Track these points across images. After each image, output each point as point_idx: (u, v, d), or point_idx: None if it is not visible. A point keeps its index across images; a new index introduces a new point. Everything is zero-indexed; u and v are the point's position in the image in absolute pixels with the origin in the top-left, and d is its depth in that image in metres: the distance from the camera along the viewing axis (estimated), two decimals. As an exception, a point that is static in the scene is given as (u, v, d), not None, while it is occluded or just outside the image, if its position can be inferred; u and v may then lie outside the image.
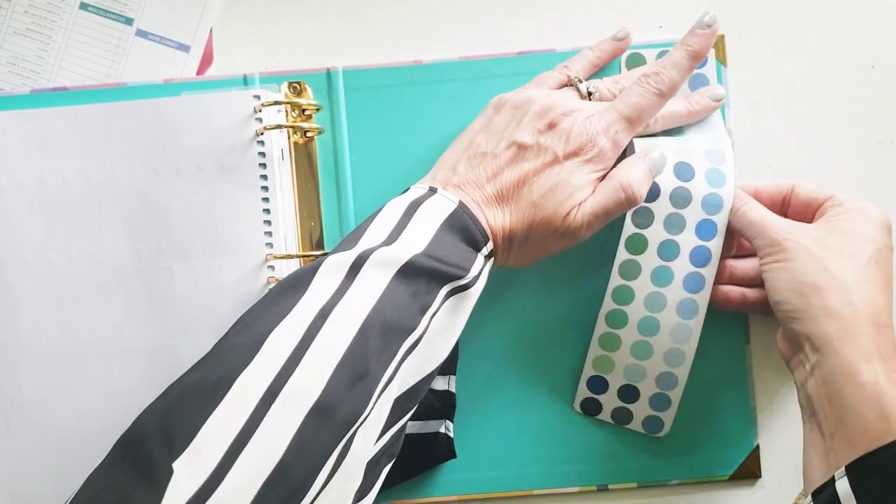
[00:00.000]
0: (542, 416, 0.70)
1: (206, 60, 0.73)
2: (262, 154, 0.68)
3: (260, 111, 0.68)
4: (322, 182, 0.70)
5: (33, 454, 0.68)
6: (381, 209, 0.60)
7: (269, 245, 0.68)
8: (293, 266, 0.68)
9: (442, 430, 0.68)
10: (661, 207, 0.65)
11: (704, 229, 0.65)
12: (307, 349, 0.52)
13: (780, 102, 0.72)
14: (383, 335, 0.54)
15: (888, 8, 0.72)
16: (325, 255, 0.58)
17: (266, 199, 0.68)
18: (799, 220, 0.65)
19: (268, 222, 0.68)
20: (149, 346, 0.68)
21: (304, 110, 0.70)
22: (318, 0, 0.73)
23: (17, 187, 0.69)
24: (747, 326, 0.70)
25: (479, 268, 0.59)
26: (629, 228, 0.66)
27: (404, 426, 0.58)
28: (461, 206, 0.60)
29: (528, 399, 0.70)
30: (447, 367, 0.68)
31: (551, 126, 0.62)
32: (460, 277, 0.57)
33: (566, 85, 0.67)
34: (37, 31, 0.72)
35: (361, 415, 0.52)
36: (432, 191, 0.61)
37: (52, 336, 0.68)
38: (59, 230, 0.69)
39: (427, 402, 0.67)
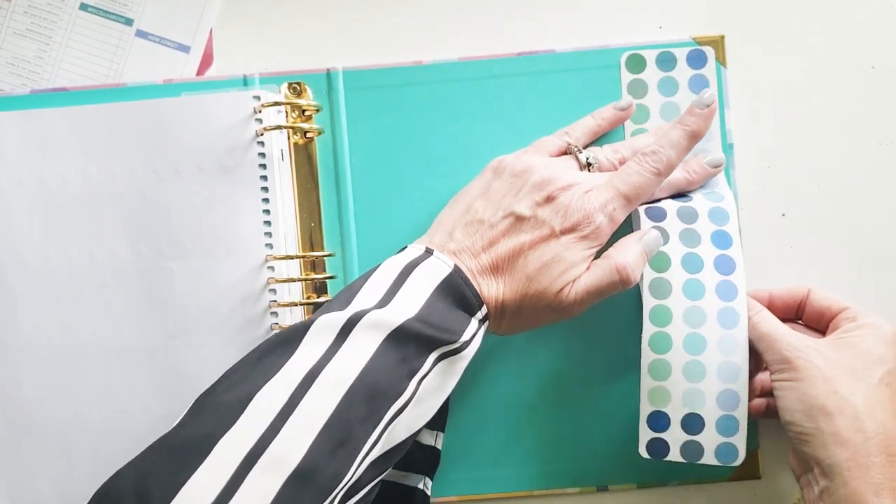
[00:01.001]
0: (543, 416, 0.70)
1: (206, 61, 0.73)
2: (262, 155, 0.68)
3: (260, 112, 0.68)
4: (322, 183, 0.70)
5: (33, 454, 0.69)
6: (376, 268, 0.61)
7: (269, 245, 0.68)
8: (293, 266, 0.69)
9: (420, 486, 0.67)
10: (672, 225, 0.66)
11: (720, 239, 0.66)
12: (291, 413, 0.52)
13: (780, 102, 0.72)
14: (369, 400, 0.54)
15: (888, 8, 0.73)
16: (324, 301, 0.58)
17: (266, 200, 0.68)
18: (813, 327, 0.66)
19: (267, 223, 0.68)
20: (149, 346, 0.68)
21: (303, 111, 0.70)
22: (318, 0, 0.73)
23: (17, 187, 0.69)
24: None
25: (473, 332, 0.60)
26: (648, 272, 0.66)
27: (382, 479, 0.59)
28: (456, 270, 0.60)
29: (529, 399, 0.71)
30: (436, 423, 0.68)
31: (549, 199, 0.62)
32: (452, 342, 0.58)
33: (566, 152, 0.67)
34: (36, 32, 0.73)
35: (342, 480, 0.53)
36: (428, 252, 0.61)
37: (52, 336, 0.69)
38: (60, 230, 0.69)
39: (411, 453, 0.65)
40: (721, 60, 0.70)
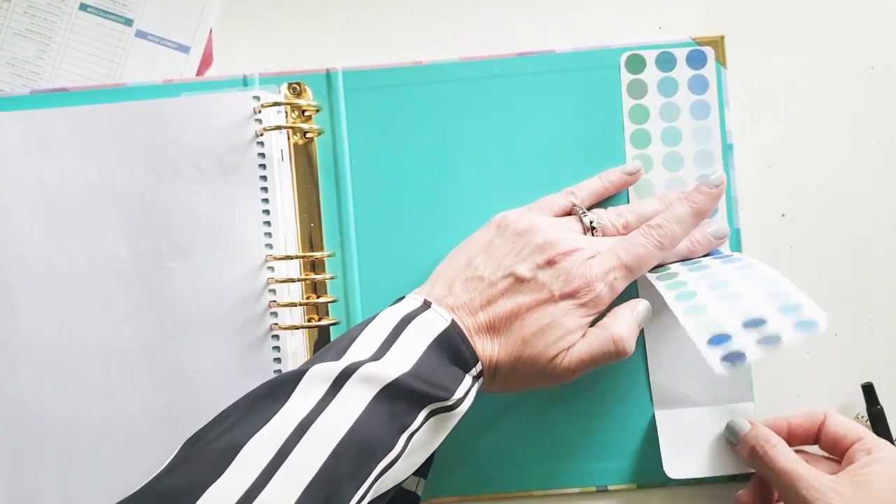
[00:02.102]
0: (542, 417, 0.71)
1: (206, 61, 0.74)
2: (262, 155, 0.69)
3: (260, 112, 0.69)
4: (322, 183, 0.71)
5: (33, 454, 0.69)
6: (374, 318, 0.61)
7: (269, 246, 0.69)
8: (293, 267, 0.70)
9: (414, 488, 0.67)
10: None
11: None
12: (280, 465, 0.53)
13: (780, 102, 0.72)
14: (358, 456, 0.54)
15: (888, 8, 0.73)
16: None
17: (266, 200, 0.69)
18: (830, 453, 0.67)
19: (267, 223, 0.69)
20: (148, 346, 0.69)
21: (303, 111, 0.71)
22: (318, 0, 0.74)
23: (17, 187, 0.70)
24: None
25: (466, 389, 0.60)
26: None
27: None
28: (453, 325, 0.60)
29: (528, 400, 0.71)
30: (420, 471, 0.67)
31: (550, 263, 0.63)
32: (445, 399, 0.58)
33: (570, 212, 0.68)
34: (36, 32, 0.73)
35: None
36: (426, 305, 0.62)
37: (52, 336, 0.69)
38: (60, 230, 0.70)
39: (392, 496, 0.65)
40: (721, 61, 0.71)
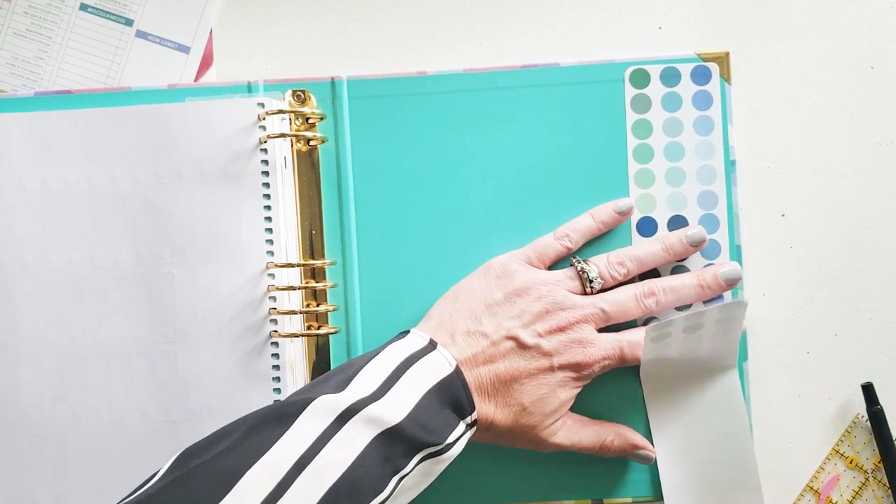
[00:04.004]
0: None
1: (206, 61, 0.74)
2: (265, 162, 0.70)
3: (264, 119, 0.70)
4: (324, 191, 0.72)
5: (30, 455, 0.70)
6: (378, 352, 0.62)
7: (271, 253, 0.70)
8: (293, 274, 0.70)
9: None
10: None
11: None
12: (278, 499, 0.54)
13: (780, 103, 0.73)
14: (351, 496, 0.56)
15: (888, 9, 0.73)
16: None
17: (268, 208, 0.70)
18: None
19: (269, 230, 0.70)
20: (148, 351, 0.70)
21: (307, 119, 0.71)
22: (319, 1, 0.75)
23: (19, 189, 0.70)
24: (745, 347, 0.72)
25: (458, 435, 0.62)
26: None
27: None
28: (458, 371, 0.62)
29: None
30: None
31: (552, 332, 0.65)
32: (438, 444, 0.60)
33: (564, 256, 0.70)
34: (37, 32, 0.74)
35: None
36: (432, 345, 0.63)
37: (51, 338, 0.70)
38: (61, 233, 0.70)
39: None
40: (725, 77, 0.72)
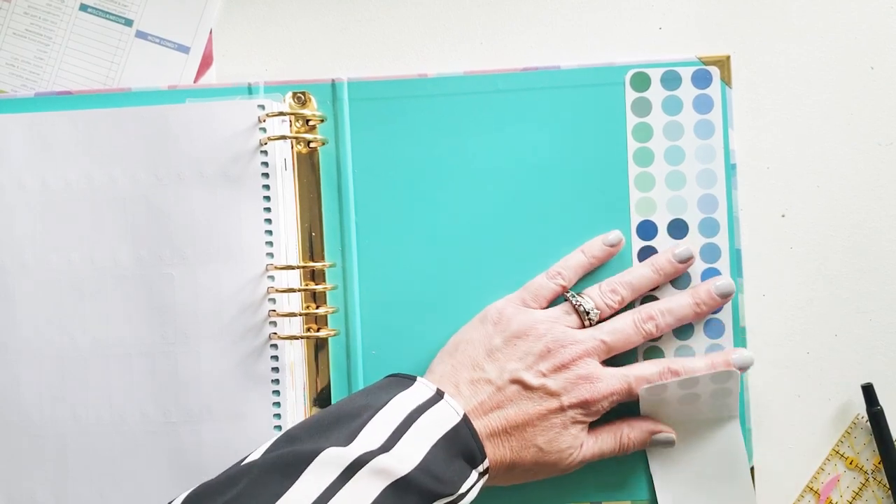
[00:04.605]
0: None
1: (206, 61, 0.74)
2: (265, 164, 0.70)
3: (264, 121, 0.70)
4: (324, 193, 0.72)
5: (30, 456, 0.70)
6: (386, 403, 0.62)
7: (270, 255, 0.70)
8: (293, 276, 0.71)
9: None
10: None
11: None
12: None
13: (780, 103, 0.73)
14: None
15: (888, 9, 0.74)
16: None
17: (268, 209, 0.70)
18: None
19: (269, 232, 0.70)
20: (147, 352, 0.70)
21: (307, 121, 0.72)
22: (319, 1, 0.75)
23: (19, 189, 0.71)
24: (746, 344, 0.72)
25: (471, 484, 0.62)
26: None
27: None
28: (465, 419, 0.62)
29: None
30: None
31: (556, 370, 0.65)
32: (450, 494, 0.60)
33: (559, 295, 0.70)
34: (36, 33, 0.74)
35: None
36: (439, 395, 0.63)
37: (51, 339, 0.70)
38: (61, 233, 0.71)
39: None
40: (726, 80, 0.72)
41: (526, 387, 0.65)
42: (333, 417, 0.61)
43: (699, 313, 0.69)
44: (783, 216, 0.73)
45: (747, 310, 0.72)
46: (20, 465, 0.70)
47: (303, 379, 0.71)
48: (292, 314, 0.70)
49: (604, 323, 0.68)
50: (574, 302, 0.68)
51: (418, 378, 0.65)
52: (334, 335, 0.71)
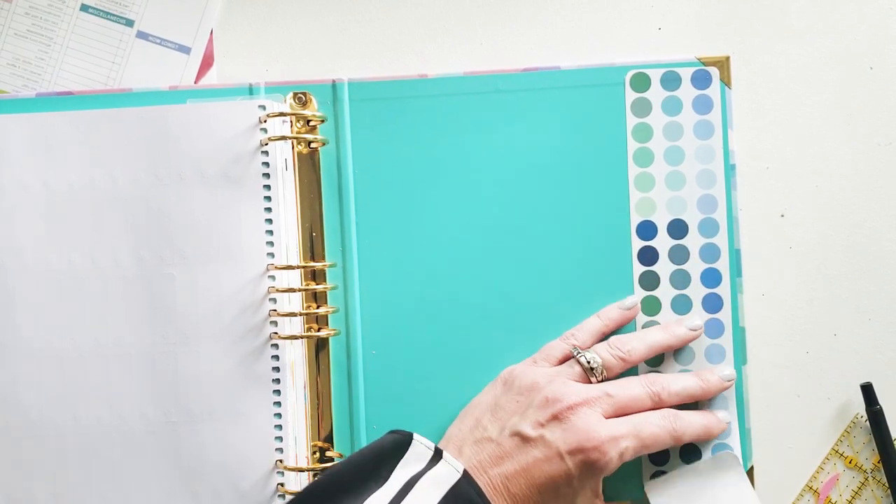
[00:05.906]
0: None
1: (207, 62, 0.75)
2: (266, 164, 0.70)
3: (265, 121, 0.70)
4: (325, 193, 0.72)
5: (30, 456, 0.70)
6: (386, 480, 0.62)
7: (271, 255, 0.70)
8: (294, 276, 0.71)
9: None
10: None
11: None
12: None
13: (780, 103, 0.74)
14: None
15: (888, 9, 0.74)
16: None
17: (269, 210, 0.70)
18: None
19: (270, 232, 0.70)
20: (148, 352, 0.70)
21: (308, 121, 0.72)
22: (319, 1, 0.75)
23: (20, 190, 0.71)
24: (744, 348, 0.72)
25: None
26: None
27: None
28: (465, 475, 0.62)
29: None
30: None
31: (554, 419, 0.64)
32: None
33: (569, 356, 0.69)
34: (37, 33, 0.74)
35: None
36: (437, 455, 0.63)
37: (51, 339, 0.71)
38: (61, 234, 0.71)
39: None
40: (726, 81, 0.72)
41: (524, 438, 0.64)
42: (334, 487, 0.62)
43: (707, 391, 0.69)
44: (782, 216, 0.74)
45: (747, 310, 0.72)
46: (20, 465, 0.70)
47: (303, 379, 0.71)
48: (293, 314, 0.70)
49: (610, 381, 0.68)
50: (580, 358, 0.67)
51: (415, 435, 0.65)
52: (335, 335, 0.71)
